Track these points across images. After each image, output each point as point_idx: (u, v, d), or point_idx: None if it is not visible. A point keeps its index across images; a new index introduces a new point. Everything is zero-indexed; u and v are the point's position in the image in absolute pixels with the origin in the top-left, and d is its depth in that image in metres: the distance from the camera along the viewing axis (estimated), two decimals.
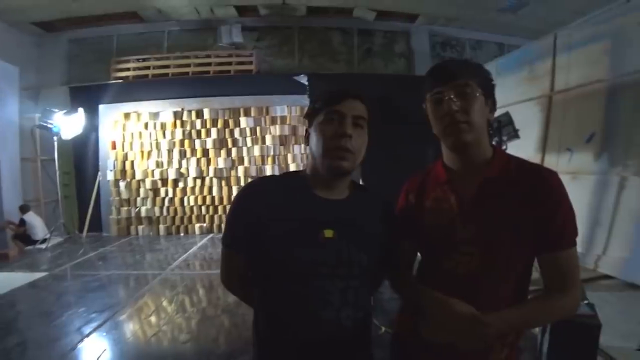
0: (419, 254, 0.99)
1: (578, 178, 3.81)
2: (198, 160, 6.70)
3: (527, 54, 4.86)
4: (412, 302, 0.93)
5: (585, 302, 1.65)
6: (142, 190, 6.73)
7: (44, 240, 5.65)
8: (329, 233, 0.82)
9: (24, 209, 5.62)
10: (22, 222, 5.46)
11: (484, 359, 0.83)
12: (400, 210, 0.99)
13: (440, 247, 0.89)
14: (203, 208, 6.68)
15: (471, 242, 0.84)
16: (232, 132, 6.74)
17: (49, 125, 5.77)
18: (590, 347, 1.55)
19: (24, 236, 5.45)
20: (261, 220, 0.82)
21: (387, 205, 0.97)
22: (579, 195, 3.67)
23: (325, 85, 0.93)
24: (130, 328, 2.89)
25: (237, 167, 6.69)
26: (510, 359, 0.86)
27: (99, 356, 2.39)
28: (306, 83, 4.97)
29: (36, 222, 5.66)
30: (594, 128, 3.71)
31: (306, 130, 0.91)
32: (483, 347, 0.76)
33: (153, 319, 3.04)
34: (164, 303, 3.39)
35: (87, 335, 2.70)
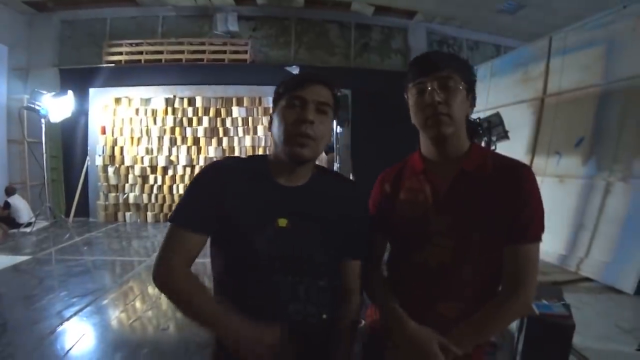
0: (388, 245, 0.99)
1: (565, 182, 3.85)
2: (188, 149, 6.63)
3: (522, 56, 4.88)
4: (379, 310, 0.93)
5: (562, 302, 1.67)
6: (130, 176, 6.64)
7: (28, 224, 5.56)
8: (282, 222, 0.80)
9: (9, 191, 5.53)
10: (7, 205, 5.37)
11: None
12: (374, 201, 0.99)
13: (414, 238, 0.89)
14: None
15: (444, 233, 0.84)
16: (223, 122, 6.68)
17: (37, 107, 5.64)
18: (564, 346, 1.58)
19: (8, 219, 5.36)
20: (223, 204, 0.80)
21: (351, 187, 0.93)
22: (565, 198, 3.72)
23: None
24: (112, 313, 2.87)
25: None
26: (475, 356, 0.85)
27: (78, 340, 2.37)
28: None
29: (21, 205, 5.58)
30: (584, 133, 3.76)
31: (270, 116, 0.89)
32: None
33: (136, 304, 3.03)
34: (149, 289, 3.37)
35: (67, 319, 2.68)
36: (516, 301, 0.79)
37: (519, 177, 0.82)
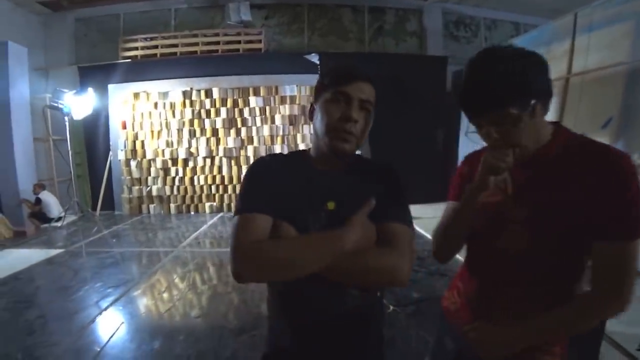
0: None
1: None
2: (207, 140, 6.73)
3: (545, 34, 4.72)
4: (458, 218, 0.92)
5: None
6: (152, 169, 6.81)
7: (59, 218, 5.80)
8: (331, 205, 0.84)
9: (39, 187, 5.74)
10: (38, 201, 5.59)
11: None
12: (457, 176, 1.01)
13: (492, 224, 0.88)
14: (213, 187, 6.76)
15: (522, 223, 0.81)
16: (241, 112, 6.72)
17: (59, 106, 5.80)
18: (597, 331, 1.57)
19: (39, 214, 5.59)
20: (275, 195, 0.83)
21: (387, 167, 0.95)
22: None
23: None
24: (144, 303, 2.99)
25: (246, 147, 6.71)
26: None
27: (117, 328, 2.50)
28: (317, 62, 4.89)
29: (51, 201, 5.79)
30: (611, 113, 3.63)
31: (311, 105, 0.90)
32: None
33: (167, 294, 3.14)
34: (176, 280, 3.49)
35: (105, 309, 2.82)
36: (613, 301, 0.73)
37: (613, 166, 0.72)
